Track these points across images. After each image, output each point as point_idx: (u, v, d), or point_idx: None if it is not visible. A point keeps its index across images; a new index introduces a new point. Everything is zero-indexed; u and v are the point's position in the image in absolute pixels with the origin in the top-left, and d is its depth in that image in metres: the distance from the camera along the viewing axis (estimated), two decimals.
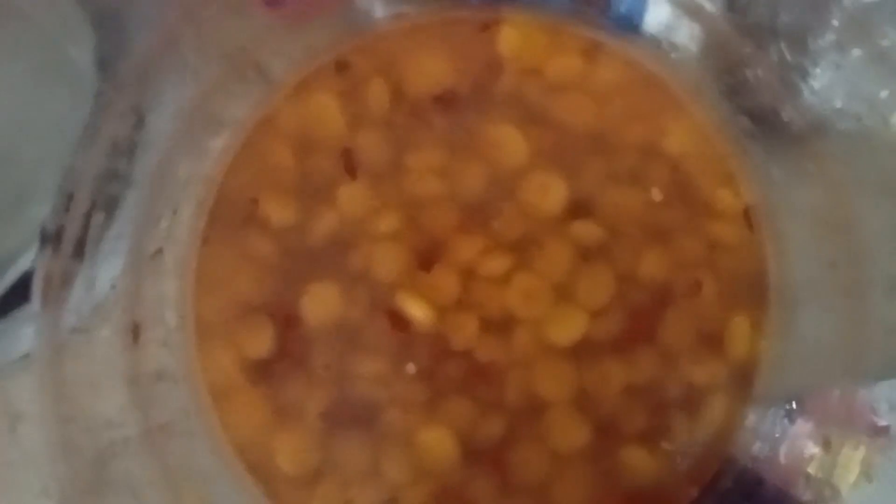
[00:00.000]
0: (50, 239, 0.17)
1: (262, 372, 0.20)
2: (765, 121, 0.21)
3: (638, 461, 0.20)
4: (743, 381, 0.20)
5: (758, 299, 0.20)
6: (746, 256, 0.21)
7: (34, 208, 0.20)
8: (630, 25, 0.21)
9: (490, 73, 0.21)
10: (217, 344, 0.20)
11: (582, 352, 0.20)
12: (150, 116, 0.20)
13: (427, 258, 0.20)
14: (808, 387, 0.20)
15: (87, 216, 0.18)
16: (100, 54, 0.20)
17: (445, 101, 0.21)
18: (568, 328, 0.20)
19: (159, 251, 0.21)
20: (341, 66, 0.21)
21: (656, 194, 0.20)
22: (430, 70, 0.21)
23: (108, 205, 0.19)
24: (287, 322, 0.20)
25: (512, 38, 0.21)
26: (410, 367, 0.20)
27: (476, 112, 0.21)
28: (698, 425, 0.20)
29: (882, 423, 0.19)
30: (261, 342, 0.20)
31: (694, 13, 0.21)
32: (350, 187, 0.20)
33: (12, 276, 0.20)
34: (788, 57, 0.21)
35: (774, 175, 0.21)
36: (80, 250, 0.18)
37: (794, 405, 0.20)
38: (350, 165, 0.20)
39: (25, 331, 0.18)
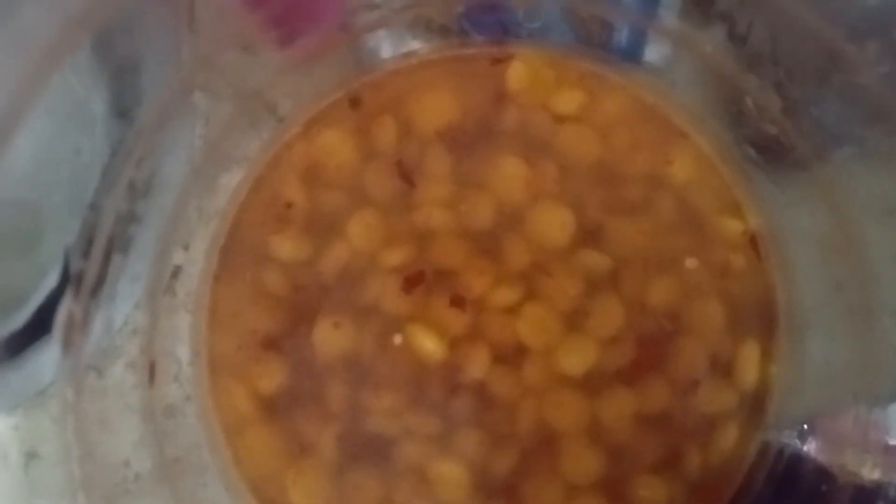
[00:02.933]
0: (71, 282, 0.18)
1: (274, 407, 0.20)
2: (768, 148, 0.21)
3: (652, 490, 0.20)
4: (754, 407, 0.20)
5: (767, 325, 0.20)
6: (754, 283, 0.21)
7: (48, 246, 0.20)
8: (631, 58, 0.22)
9: (496, 107, 0.21)
10: (230, 379, 0.20)
11: (593, 381, 0.20)
12: (165, 157, 0.20)
13: (437, 290, 0.20)
14: (820, 410, 0.20)
15: (107, 258, 0.18)
16: (117, 101, 0.21)
17: (453, 135, 0.21)
18: (578, 358, 0.20)
19: (172, 287, 0.21)
20: (354, 102, 0.21)
21: (663, 223, 0.21)
22: (438, 106, 0.21)
23: (125, 245, 0.19)
24: (299, 356, 0.20)
25: (520, 73, 0.21)
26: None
27: (483, 145, 0.21)
28: (711, 452, 0.20)
29: (894, 442, 0.18)
30: (273, 377, 0.20)
31: (693, 45, 0.21)
32: (360, 221, 0.20)
33: (27, 312, 0.20)
34: (788, 84, 0.21)
35: (780, 201, 0.21)
36: (98, 291, 0.18)
37: (805, 427, 0.20)
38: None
39: (40, 368, 0.19)
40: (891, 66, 0.18)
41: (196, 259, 0.21)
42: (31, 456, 0.21)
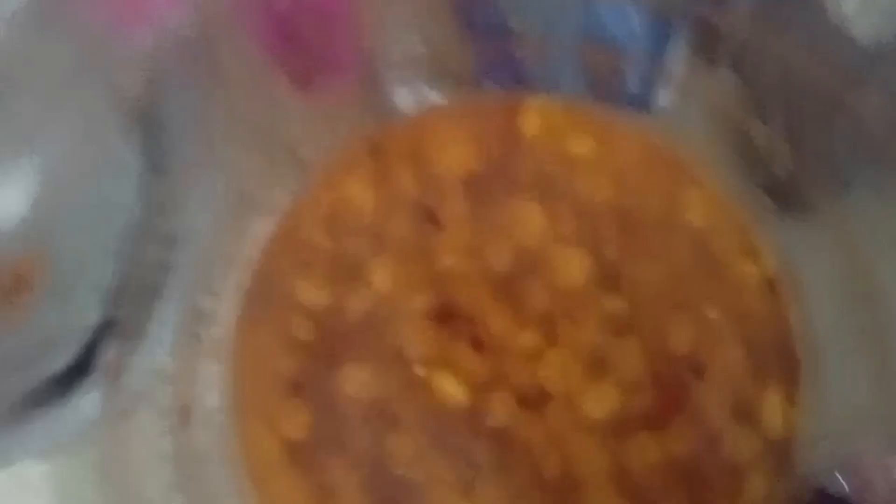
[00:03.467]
0: (109, 331, 0.18)
1: (301, 452, 0.20)
2: (779, 192, 0.21)
3: None
4: (781, 454, 0.20)
5: (789, 370, 0.20)
6: (774, 327, 0.21)
7: (85, 292, 0.21)
8: (642, 105, 0.22)
9: (512, 154, 0.22)
10: (257, 424, 0.20)
11: (616, 427, 0.20)
12: (195, 207, 0.21)
13: (459, 335, 0.20)
14: (848, 457, 0.20)
15: (140, 304, 0.19)
16: (149, 154, 0.22)
17: (471, 182, 0.22)
18: (601, 402, 0.20)
19: (201, 333, 0.21)
20: (374, 150, 0.22)
21: (679, 267, 0.21)
22: (456, 153, 0.22)
23: (156, 294, 0.20)
24: (324, 401, 0.20)
25: (534, 120, 0.22)
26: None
27: (501, 191, 0.22)
28: (738, 502, 0.20)
29: None
30: (299, 423, 0.20)
31: (702, 91, 0.22)
32: (382, 266, 0.21)
33: (67, 355, 0.20)
34: (796, 128, 0.21)
35: (795, 245, 0.21)
36: (132, 335, 0.19)
37: (836, 472, 0.20)
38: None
39: (77, 412, 0.19)
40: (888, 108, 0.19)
41: (224, 305, 0.22)
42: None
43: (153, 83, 0.21)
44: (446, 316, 0.20)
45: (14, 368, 0.20)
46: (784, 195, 0.21)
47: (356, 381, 0.20)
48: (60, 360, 0.19)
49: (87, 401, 0.19)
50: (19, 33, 0.21)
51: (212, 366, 0.21)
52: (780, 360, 0.21)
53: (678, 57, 0.22)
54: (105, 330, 0.19)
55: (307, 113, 0.23)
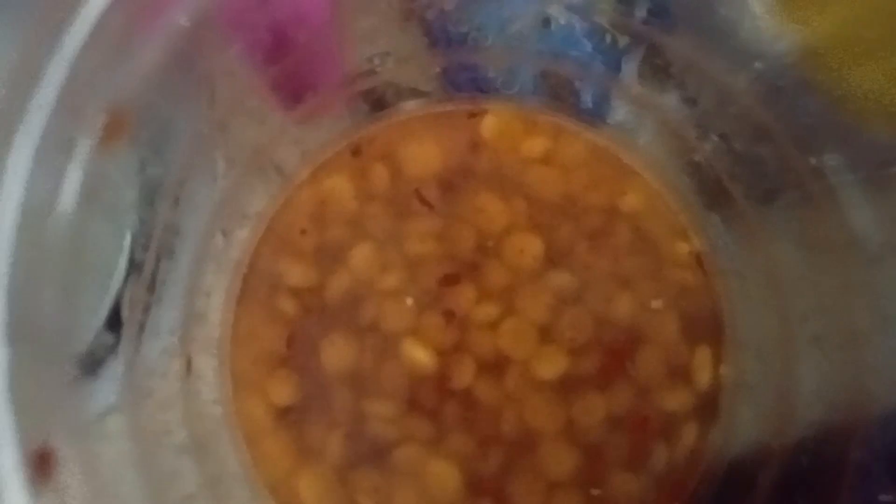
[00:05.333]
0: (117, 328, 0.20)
1: (287, 418, 0.23)
2: (716, 196, 0.24)
3: (625, 484, 0.22)
4: (710, 405, 0.23)
5: (716, 334, 0.23)
6: (703, 298, 0.24)
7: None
8: (597, 118, 0.25)
9: (473, 153, 0.25)
10: (249, 394, 0.23)
11: (567, 387, 0.23)
12: (189, 214, 0.23)
13: (427, 310, 0.23)
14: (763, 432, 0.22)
15: (145, 305, 0.21)
16: (142, 173, 0.23)
17: (438, 178, 0.24)
18: (552, 365, 0.23)
19: (196, 323, 0.23)
20: (355, 151, 0.25)
21: (621, 247, 0.24)
22: (424, 154, 0.25)
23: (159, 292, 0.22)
24: (308, 371, 0.23)
25: (492, 125, 0.25)
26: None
27: (464, 185, 0.24)
28: (675, 448, 0.22)
29: None
30: (286, 391, 0.23)
31: (652, 107, 0.24)
32: (360, 252, 0.24)
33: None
34: (732, 141, 0.23)
35: (724, 238, 0.24)
36: (138, 341, 0.21)
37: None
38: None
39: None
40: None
41: (217, 297, 0.24)
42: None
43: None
44: (416, 292, 0.23)
45: None
46: (721, 199, 0.23)
47: (336, 353, 0.23)
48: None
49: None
50: None
51: (208, 350, 0.23)
52: (710, 327, 0.23)
53: (631, 76, 0.23)
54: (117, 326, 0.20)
55: (288, 123, 0.25)
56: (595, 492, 0.22)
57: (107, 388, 0.20)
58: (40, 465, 0.14)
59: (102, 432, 0.18)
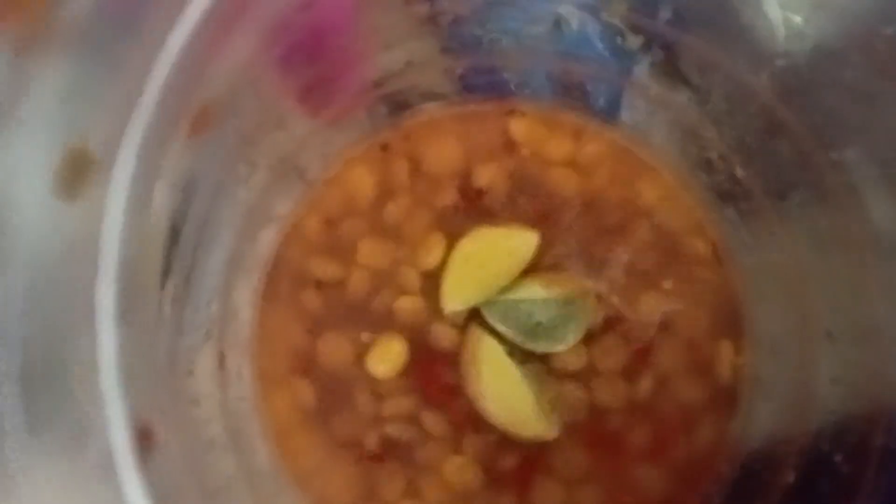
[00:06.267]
0: None
1: (313, 416, 0.23)
2: (732, 192, 0.24)
3: (644, 477, 0.22)
4: (729, 399, 0.23)
5: (736, 327, 0.23)
6: (722, 293, 0.24)
7: None
8: (610, 116, 0.25)
9: (497, 153, 0.25)
10: (275, 389, 0.23)
11: (588, 380, 0.23)
12: (219, 222, 0.23)
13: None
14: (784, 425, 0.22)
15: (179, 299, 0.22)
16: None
17: (461, 176, 0.25)
18: (574, 357, 0.23)
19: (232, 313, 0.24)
20: (384, 148, 0.25)
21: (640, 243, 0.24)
22: (448, 154, 0.25)
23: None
24: (330, 369, 0.23)
25: (520, 126, 0.25)
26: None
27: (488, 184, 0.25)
28: (695, 441, 0.23)
29: None
30: (311, 387, 0.23)
31: (664, 105, 0.24)
32: (376, 246, 0.24)
33: None
34: (745, 138, 0.23)
35: (741, 235, 0.24)
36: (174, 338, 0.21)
37: None
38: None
39: None
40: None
41: (245, 298, 0.25)
42: None
43: None
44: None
45: None
46: (736, 196, 0.24)
47: (358, 348, 0.23)
48: None
49: None
50: None
51: (237, 347, 0.24)
52: (729, 320, 0.23)
53: (642, 75, 0.23)
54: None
55: (311, 130, 0.25)
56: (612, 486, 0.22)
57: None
58: (144, 440, 0.14)
59: None
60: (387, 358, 0.23)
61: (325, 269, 0.24)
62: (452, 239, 0.24)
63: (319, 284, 0.24)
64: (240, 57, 0.19)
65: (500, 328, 0.23)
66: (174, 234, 0.21)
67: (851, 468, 0.18)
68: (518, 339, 0.23)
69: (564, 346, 0.23)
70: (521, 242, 0.23)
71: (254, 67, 0.20)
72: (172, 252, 0.19)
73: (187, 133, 0.17)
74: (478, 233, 0.24)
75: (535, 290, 0.23)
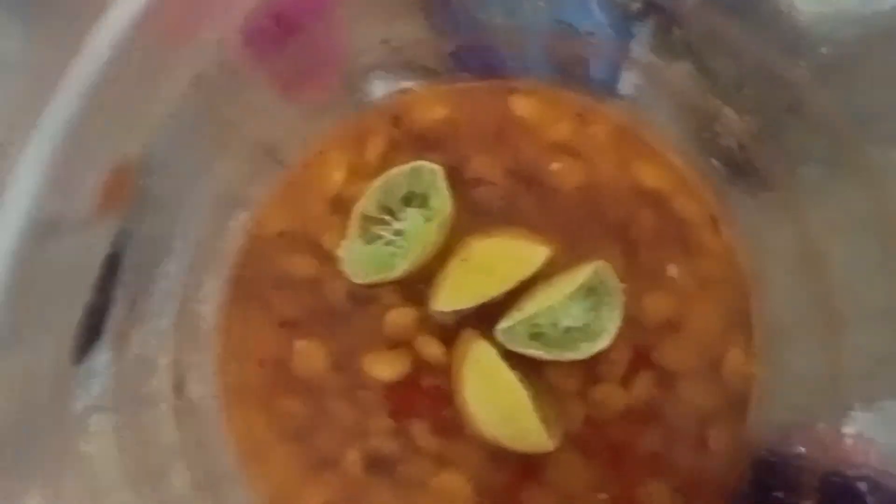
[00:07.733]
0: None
1: (291, 431, 0.21)
2: (738, 169, 0.22)
3: (650, 492, 0.21)
4: (740, 407, 0.21)
5: (748, 330, 0.22)
6: (732, 292, 0.22)
7: None
8: (607, 88, 0.23)
9: (493, 132, 0.23)
10: (246, 402, 0.21)
11: (590, 383, 0.21)
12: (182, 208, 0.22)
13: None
14: (802, 416, 0.21)
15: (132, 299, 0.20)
16: None
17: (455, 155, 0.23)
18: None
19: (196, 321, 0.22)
20: (396, 121, 0.23)
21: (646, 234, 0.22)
22: (436, 137, 0.23)
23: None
24: (308, 383, 0.21)
25: (523, 104, 0.23)
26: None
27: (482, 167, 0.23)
28: (702, 452, 0.21)
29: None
30: (289, 404, 0.21)
31: (664, 77, 0.23)
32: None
33: None
34: (753, 110, 0.22)
35: (752, 217, 0.22)
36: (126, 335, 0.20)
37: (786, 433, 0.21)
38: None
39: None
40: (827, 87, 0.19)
41: (210, 296, 0.23)
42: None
43: None
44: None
45: None
46: (742, 172, 0.22)
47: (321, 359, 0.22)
48: None
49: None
50: None
51: (200, 354, 0.22)
52: (740, 322, 0.22)
53: (641, 45, 0.22)
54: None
55: (287, 113, 0.23)
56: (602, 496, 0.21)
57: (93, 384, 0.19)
58: None
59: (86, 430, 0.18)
60: (387, 360, 0.21)
61: (304, 265, 0.22)
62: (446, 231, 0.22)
63: (293, 283, 0.22)
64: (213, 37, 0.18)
65: (531, 352, 0.20)
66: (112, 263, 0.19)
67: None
68: (553, 353, 0.20)
69: (608, 336, 0.20)
70: (530, 254, 0.21)
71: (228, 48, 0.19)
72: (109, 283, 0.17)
73: None
74: (482, 240, 0.22)
75: (547, 296, 0.20)
